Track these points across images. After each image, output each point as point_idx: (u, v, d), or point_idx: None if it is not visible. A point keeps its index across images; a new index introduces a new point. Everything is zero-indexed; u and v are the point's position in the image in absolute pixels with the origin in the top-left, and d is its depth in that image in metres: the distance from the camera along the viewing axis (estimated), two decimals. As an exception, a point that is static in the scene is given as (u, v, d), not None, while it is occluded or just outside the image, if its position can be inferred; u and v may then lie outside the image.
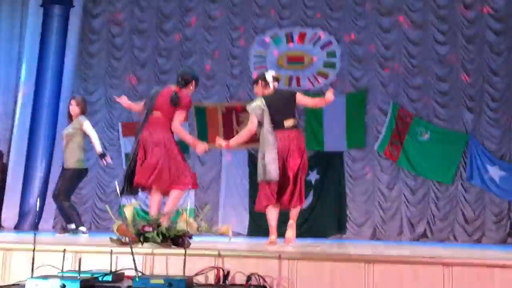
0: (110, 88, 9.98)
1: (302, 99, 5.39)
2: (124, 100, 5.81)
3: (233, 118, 9.49)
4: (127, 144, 9.72)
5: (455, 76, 9.27)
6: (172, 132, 5.42)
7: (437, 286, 3.16)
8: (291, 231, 5.12)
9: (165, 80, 9.87)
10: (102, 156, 6.81)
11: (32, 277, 2.94)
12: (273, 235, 5.09)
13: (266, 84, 5.41)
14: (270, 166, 5.05)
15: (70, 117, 7.02)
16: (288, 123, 5.24)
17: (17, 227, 9.01)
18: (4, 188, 9.21)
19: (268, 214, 5.23)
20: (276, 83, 5.46)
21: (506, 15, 9.17)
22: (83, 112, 6.93)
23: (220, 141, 5.55)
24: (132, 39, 10.09)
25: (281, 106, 5.27)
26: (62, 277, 2.88)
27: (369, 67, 9.48)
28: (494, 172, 8.81)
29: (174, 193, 5.35)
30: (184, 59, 9.94)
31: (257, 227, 8.47)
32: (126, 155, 9.72)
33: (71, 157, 6.76)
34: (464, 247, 6.44)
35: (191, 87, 5.57)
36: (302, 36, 9.72)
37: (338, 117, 9.19)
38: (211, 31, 9.97)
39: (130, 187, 5.37)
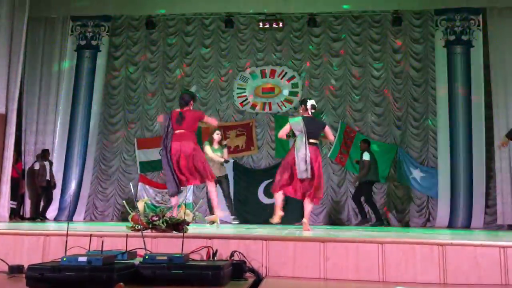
0: (128, 112, 9.91)
1: (327, 132, 5.27)
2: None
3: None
4: (140, 155, 9.63)
5: (386, 102, 9.38)
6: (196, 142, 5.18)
7: (373, 259, 3.16)
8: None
9: (170, 106, 9.84)
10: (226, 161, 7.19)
11: (65, 255, 2.88)
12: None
13: (306, 109, 5.22)
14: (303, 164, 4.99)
15: None
16: (312, 140, 5.12)
17: (56, 218, 8.88)
18: (53, 189, 8.95)
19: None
20: (313, 110, 5.24)
21: (423, 57, 9.33)
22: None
23: None
24: (144, 75, 10.04)
25: (312, 129, 5.14)
26: (88, 256, 2.84)
27: (323, 95, 9.56)
28: (416, 174, 8.90)
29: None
30: (184, 90, 9.92)
31: (239, 217, 8.38)
32: (140, 163, 9.62)
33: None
34: (395, 230, 6.46)
35: (191, 104, 5.32)
36: (273, 72, 9.77)
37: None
38: (204, 69, 9.97)
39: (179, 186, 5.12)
